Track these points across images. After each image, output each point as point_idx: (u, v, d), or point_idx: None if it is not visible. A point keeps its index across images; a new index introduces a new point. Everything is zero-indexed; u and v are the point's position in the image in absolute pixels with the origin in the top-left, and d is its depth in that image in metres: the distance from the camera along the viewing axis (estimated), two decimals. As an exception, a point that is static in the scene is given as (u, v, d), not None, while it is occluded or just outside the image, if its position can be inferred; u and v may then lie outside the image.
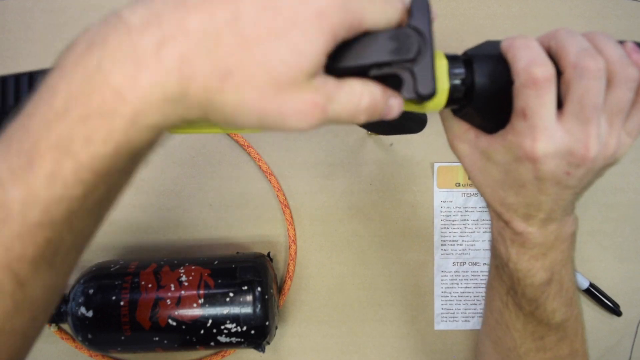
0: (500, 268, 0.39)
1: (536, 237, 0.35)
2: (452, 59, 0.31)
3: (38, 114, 0.22)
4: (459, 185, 0.58)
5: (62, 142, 0.22)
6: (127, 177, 0.25)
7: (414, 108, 0.31)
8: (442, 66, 0.30)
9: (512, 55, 0.30)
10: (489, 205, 0.37)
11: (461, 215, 0.58)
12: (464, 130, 0.35)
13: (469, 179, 0.37)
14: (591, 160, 0.30)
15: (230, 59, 0.22)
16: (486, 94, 0.31)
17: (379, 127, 0.48)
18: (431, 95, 0.27)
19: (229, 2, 0.22)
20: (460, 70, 0.31)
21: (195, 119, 0.23)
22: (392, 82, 0.27)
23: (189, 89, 0.22)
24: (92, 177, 0.22)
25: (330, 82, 0.25)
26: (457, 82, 0.31)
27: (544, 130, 0.30)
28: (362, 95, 0.26)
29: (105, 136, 0.22)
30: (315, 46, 0.23)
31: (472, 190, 0.58)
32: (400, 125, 0.46)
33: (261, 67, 0.22)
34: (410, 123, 0.45)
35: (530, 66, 0.29)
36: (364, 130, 0.56)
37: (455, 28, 0.57)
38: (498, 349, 0.43)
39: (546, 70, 0.29)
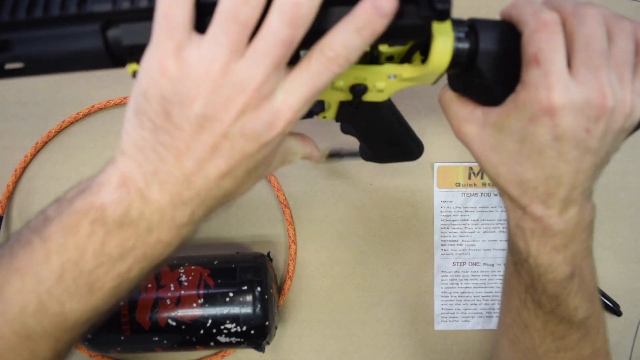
0: (519, 264, 0.37)
1: (557, 223, 0.33)
2: (455, 20, 0.32)
3: (88, 257, 0.29)
4: (459, 185, 0.57)
5: (122, 275, 0.29)
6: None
7: (420, 72, 0.32)
8: (445, 23, 0.31)
9: (516, 11, 0.31)
10: (504, 193, 0.35)
11: (461, 215, 0.58)
12: (470, 111, 0.35)
13: (480, 165, 0.36)
14: (609, 110, 0.30)
15: (234, 193, 0.31)
16: (491, 50, 0.32)
17: (377, 154, 0.48)
18: (447, 11, 0.27)
19: (227, 175, 0.29)
20: (464, 27, 0.32)
21: None
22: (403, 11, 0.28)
23: (211, 216, 0.32)
24: (140, 281, 0.31)
25: (285, 154, 0.34)
26: (461, 34, 0.32)
27: (558, 77, 0.29)
28: (296, 155, 0.36)
29: (156, 262, 0.31)
30: (275, 157, 0.32)
31: (472, 190, 0.58)
32: (400, 149, 0.46)
33: (249, 184, 0.32)
34: (411, 145, 0.45)
35: (538, 13, 0.30)
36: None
37: (455, 28, 0.57)
38: (515, 348, 0.41)
39: (554, 15, 0.30)
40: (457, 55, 0.32)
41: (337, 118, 0.40)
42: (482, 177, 0.58)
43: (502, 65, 0.32)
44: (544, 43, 0.29)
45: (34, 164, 0.57)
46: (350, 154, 0.53)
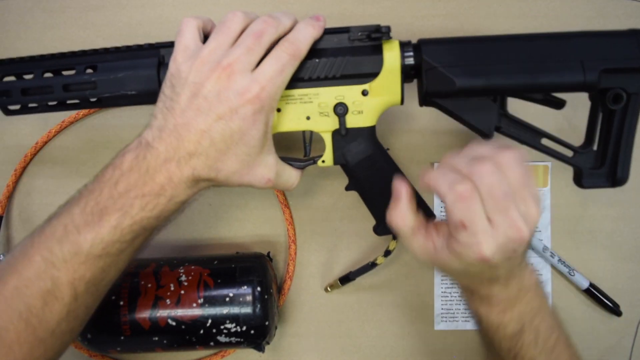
0: (479, 325, 0.43)
1: (500, 294, 0.40)
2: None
3: (105, 193, 0.38)
4: (459, 185, 0.57)
5: (125, 208, 0.38)
6: (161, 227, 0.41)
7: (382, 78, 0.43)
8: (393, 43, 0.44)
9: (434, 186, 0.37)
10: (456, 282, 0.43)
11: (461, 215, 0.57)
12: (423, 242, 0.40)
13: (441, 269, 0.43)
14: (527, 238, 0.36)
15: (217, 163, 0.39)
16: (431, 44, 0.43)
17: (382, 216, 0.48)
18: (389, 30, 0.42)
19: (205, 133, 0.38)
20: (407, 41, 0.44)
21: (206, 188, 0.42)
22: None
23: (199, 180, 0.40)
24: (140, 229, 0.39)
25: (279, 166, 0.43)
26: (406, 41, 0.44)
27: (484, 234, 0.35)
28: (295, 179, 0.46)
29: (153, 207, 0.38)
30: (259, 141, 0.40)
31: (472, 190, 0.58)
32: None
33: (233, 163, 0.40)
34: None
35: (452, 185, 0.36)
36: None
37: (456, 28, 0.57)
38: None
39: (467, 184, 0.36)
40: (402, 46, 0.43)
41: (335, 159, 0.46)
42: (482, 177, 0.58)
43: (444, 53, 0.42)
44: (465, 212, 0.35)
45: (34, 164, 0.57)
46: (359, 272, 0.54)
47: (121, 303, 0.48)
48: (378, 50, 0.43)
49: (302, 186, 0.57)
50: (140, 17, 0.58)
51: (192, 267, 0.50)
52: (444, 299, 0.57)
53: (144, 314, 0.48)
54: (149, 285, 0.49)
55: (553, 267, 0.57)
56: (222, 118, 0.38)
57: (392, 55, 0.43)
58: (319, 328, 0.57)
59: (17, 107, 0.46)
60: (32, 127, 0.57)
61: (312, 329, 0.57)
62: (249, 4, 0.58)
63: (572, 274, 0.56)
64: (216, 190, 0.57)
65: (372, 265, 0.53)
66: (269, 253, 0.55)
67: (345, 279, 0.55)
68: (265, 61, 0.39)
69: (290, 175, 0.45)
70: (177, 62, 0.40)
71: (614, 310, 0.56)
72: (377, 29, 0.42)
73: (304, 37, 0.41)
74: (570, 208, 0.58)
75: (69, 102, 0.46)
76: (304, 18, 0.43)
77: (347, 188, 0.49)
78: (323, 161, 0.47)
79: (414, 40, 0.45)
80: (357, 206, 0.57)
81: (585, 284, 0.56)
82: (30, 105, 0.46)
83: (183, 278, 0.49)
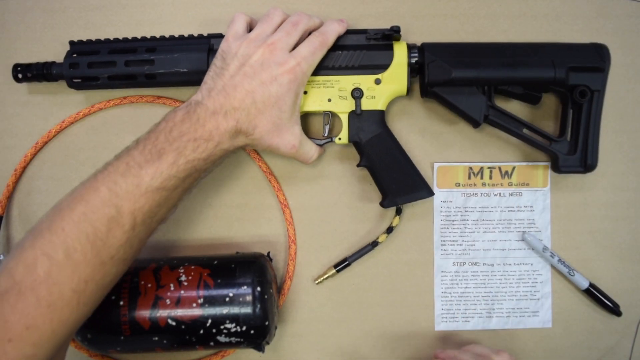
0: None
1: None
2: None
3: (161, 138, 0.45)
4: (459, 185, 0.57)
5: (180, 149, 0.45)
6: (206, 173, 0.49)
7: (392, 70, 0.53)
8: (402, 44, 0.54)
9: None
10: None
11: (461, 215, 0.58)
12: None
13: None
14: None
15: (255, 120, 0.48)
16: (432, 44, 0.54)
17: (388, 189, 0.54)
18: (399, 30, 0.52)
19: (249, 93, 0.47)
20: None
21: (243, 145, 0.49)
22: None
23: (239, 132, 0.48)
24: (192, 168, 0.45)
25: (302, 137, 0.52)
26: (412, 44, 0.54)
27: None
28: (314, 153, 0.54)
29: (203, 150, 0.46)
30: (290, 108, 0.49)
31: (472, 190, 0.58)
32: (407, 180, 0.54)
33: (267, 123, 0.48)
34: (417, 177, 0.54)
35: None
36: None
37: (455, 28, 0.57)
38: None
39: None
40: (409, 47, 0.53)
41: (350, 137, 0.54)
42: (481, 177, 0.58)
43: (443, 51, 0.53)
44: None
45: (34, 164, 0.57)
46: (356, 256, 0.56)
47: (121, 303, 0.48)
48: (389, 48, 0.53)
49: (303, 186, 0.57)
50: (140, 17, 0.58)
51: (192, 267, 0.50)
52: (444, 299, 0.57)
53: (144, 314, 0.48)
54: (149, 285, 0.49)
55: (553, 267, 0.57)
56: (264, 83, 0.47)
57: (400, 52, 0.53)
58: (319, 328, 0.57)
59: (80, 80, 0.53)
60: (32, 127, 0.57)
61: (312, 329, 0.57)
62: (250, 4, 0.58)
63: (572, 274, 0.56)
64: (216, 190, 0.57)
65: (374, 244, 0.56)
66: (269, 253, 0.55)
67: (342, 264, 0.56)
68: (300, 45, 0.50)
69: (311, 148, 0.53)
70: (229, 41, 0.49)
71: (614, 310, 0.56)
72: (390, 29, 0.52)
73: (332, 30, 0.52)
74: (570, 208, 0.58)
75: (128, 75, 0.53)
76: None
77: (359, 164, 0.55)
78: (339, 139, 0.54)
79: (419, 44, 0.55)
80: (357, 206, 0.57)
81: (585, 284, 0.56)
82: (92, 81, 0.53)
83: (183, 278, 0.49)
